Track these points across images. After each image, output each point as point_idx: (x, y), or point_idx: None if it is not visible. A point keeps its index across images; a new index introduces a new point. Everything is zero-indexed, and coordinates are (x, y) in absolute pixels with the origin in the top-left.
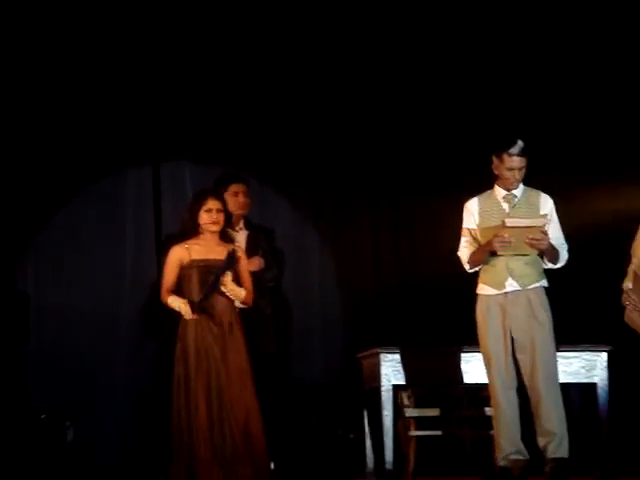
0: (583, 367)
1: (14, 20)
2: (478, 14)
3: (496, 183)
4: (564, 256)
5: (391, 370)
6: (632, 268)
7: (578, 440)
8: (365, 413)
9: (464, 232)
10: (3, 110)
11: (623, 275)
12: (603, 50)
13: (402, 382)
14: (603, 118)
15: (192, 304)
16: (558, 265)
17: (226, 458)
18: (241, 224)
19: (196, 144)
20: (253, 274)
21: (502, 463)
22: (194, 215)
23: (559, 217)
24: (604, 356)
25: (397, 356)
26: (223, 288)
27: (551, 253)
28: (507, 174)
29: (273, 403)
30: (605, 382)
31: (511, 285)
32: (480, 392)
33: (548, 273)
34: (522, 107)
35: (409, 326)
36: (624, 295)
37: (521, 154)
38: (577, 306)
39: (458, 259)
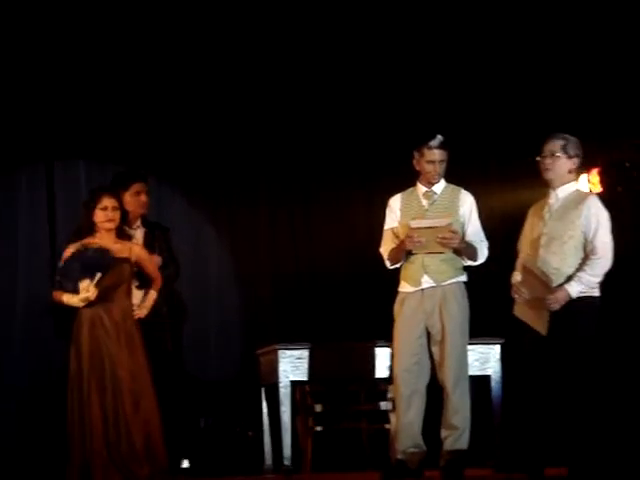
0: (477, 360)
1: None
2: (397, 12)
3: (418, 180)
4: (484, 253)
5: (289, 366)
6: (520, 262)
7: (473, 432)
8: (263, 409)
9: (385, 230)
10: None
11: (512, 269)
12: (503, 49)
13: (300, 378)
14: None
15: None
16: (478, 262)
17: (122, 457)
18: (138, 222)
19: (90, 143)
20: None
21: (399, 456)
22: (89, 213)
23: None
24: (497, 349)
25: (295, 352)
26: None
27: (466, 251)
28: (428, 167)
29: (170, 401)
30: (498, 374)
31: (427, 282)
32: (377, 387)
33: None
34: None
35: (307, 322)
36: (513, 288)
37: (441, 147)
38: (471, 300)
39: (380, 255)
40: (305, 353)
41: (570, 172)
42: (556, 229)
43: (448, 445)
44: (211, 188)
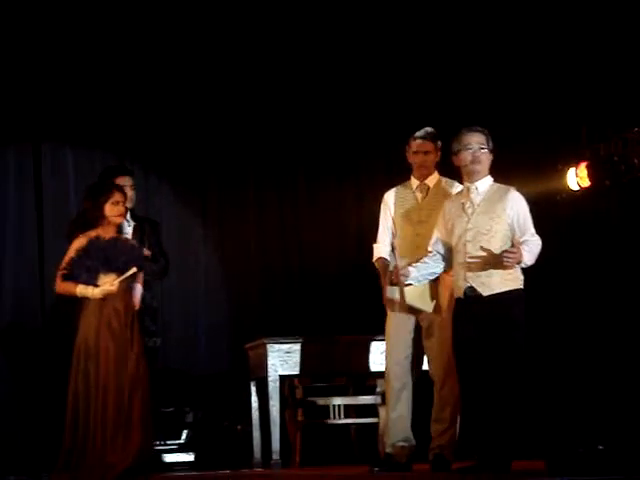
0: None
1: None
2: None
3: (412, 174)
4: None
5: (278, 360)
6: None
7: (463, 425)
8: (252, 403)
9: (380, 227)
10: None
11: None
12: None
13: (289, 372)
14: None
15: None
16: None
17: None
18: (128, 216)
19: (79, 129)
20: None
21: (388, 450)
22: (99, 207)
23: None
24: None
25: (284, 346)
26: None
27: None
28: (414, 158)
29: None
30: None
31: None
32: (366, 381)
33: None
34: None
35: (296, 316)
36: (400, 272)
37: (426, 138)
38: None
39: (370, 249)
40: (294, 347)
41: (489, 166)
42: (482, 223)
43: (437, 439)
44: (199, 181)
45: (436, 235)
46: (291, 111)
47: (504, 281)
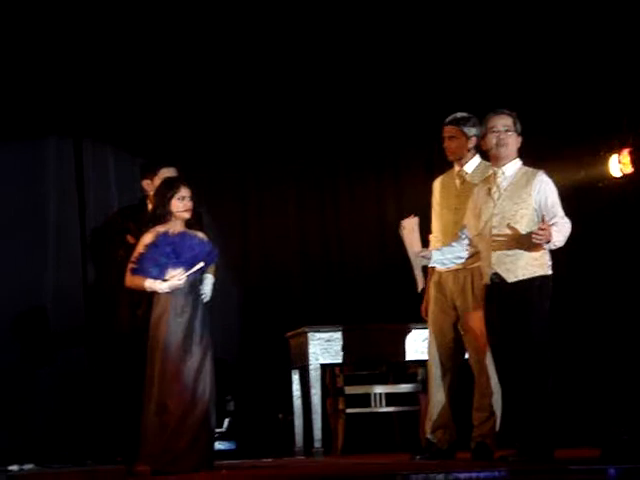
0: None
1: None
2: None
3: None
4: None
5: (319, 349)
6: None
7: (504, 415)
8: (294, 392)
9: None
10: None
11: None
12: None
13: (330, 361)
14: None
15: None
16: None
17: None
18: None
19: (119, 131)
20: None
21: (429, 437)
22: (166, 202)
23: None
24: None
25: (325, 335)
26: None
27: None
28: (444, 143)
29: None
30: None
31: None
32: (407, 369)
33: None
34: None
35: (337, 305)
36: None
37: (451, 123)
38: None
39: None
40: (335, 335)
41: (517, 149)
42: (507, 208)
43: (478, 427)
44: (241, 177)
45: (466, 220)
46: (331, 107)
47: (530, 266)
